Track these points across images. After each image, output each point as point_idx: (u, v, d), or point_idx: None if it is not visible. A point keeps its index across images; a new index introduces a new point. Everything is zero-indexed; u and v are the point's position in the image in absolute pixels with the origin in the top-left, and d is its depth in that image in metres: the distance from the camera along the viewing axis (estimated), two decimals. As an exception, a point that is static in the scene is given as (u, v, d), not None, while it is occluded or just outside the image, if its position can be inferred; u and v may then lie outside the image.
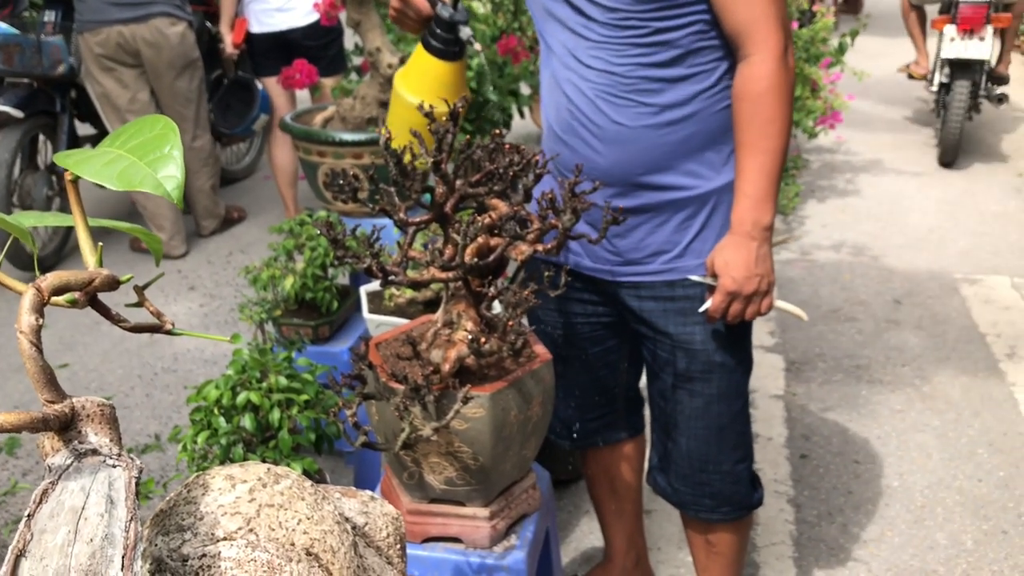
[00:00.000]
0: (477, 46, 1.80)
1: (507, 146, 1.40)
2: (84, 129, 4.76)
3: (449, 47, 1.80)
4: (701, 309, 1.69)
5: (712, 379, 1.76)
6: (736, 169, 1.62)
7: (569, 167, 1.67)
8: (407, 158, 1.33)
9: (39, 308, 0.66)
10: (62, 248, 4.37)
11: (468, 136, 1.38)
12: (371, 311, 2.27)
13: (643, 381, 2.12)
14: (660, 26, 1.55)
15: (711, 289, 1.67)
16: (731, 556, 1.97)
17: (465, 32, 1.77)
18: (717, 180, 1.66)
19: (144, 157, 0.66)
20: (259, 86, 4.59)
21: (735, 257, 1.61)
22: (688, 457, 1.83)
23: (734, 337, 1.75)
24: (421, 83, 1.85)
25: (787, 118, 1.58)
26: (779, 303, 1.72)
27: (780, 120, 1.57)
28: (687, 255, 1.70)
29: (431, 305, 2.27)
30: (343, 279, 2.72)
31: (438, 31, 1.79)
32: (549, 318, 1.90)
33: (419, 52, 1.85)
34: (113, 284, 0.72)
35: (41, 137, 4.38)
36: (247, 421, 1.70)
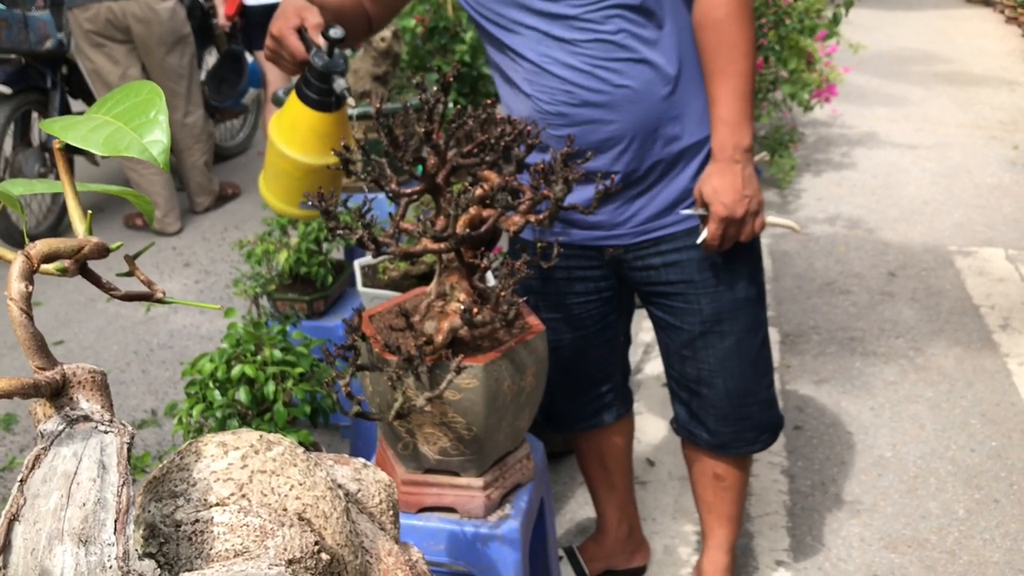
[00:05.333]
0: (351, 101, 1.55)
1: (498, 116, 1.40)
2: (78, 106, 4.74)
3: (323, 97, 1.58)
4: (699, 240, 1.71)
5: (739, 316, 1.79)
6: (709, 97, 1.63)
7: (577, 141, 1.65)
8: (398, 130, 1.33)
9: (28, 275, 0.66)
10: (56, 227, 4.36)
11: (459, 107, 1.37)
12: (365, 285, 2.27)
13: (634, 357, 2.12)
14: None
15: (704, 220, 1.70)
16: (738, 490, 2.03)
17: (339, 84, 1.54)
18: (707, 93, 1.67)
19: (130, 123, 0.66)
20: (248, 59, 4.58)
21: (721, 183, 1.63)
22: (728, 396, 1.86)
23: (753, 268, 1.79)
24: (292, 133, 1.63)
25: (750, 40, 1.59)
26: (771, 218, 1.75)
27: (744, 43, 1.58)
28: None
29: (425, 279, 2.27)
30: (337, 254, 2.72)
31: (312, 80, 1.58)
32: (549, 303, 1.90)
33: (292, 98, 1.63)
34: (103, 252, 0.72)
35: (34, 114, 4.36)
36: (242, 394, 1.70)
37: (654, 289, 1.83)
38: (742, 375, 1.84)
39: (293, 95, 1.62)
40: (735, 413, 1.88)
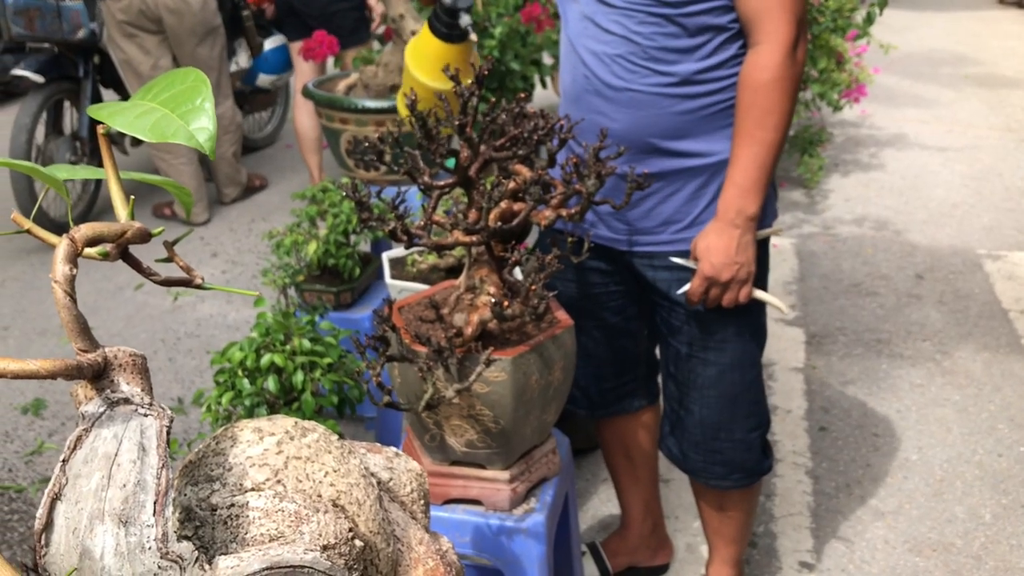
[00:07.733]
0: (473, 37, 1.79)
1: (531, 110, 1.40)
2: (109, 95, 4.78)
3: (449, 30, 1.81)
4: (679, 292, 1.71)
5: (726, 349, 1.77)
6: (731, 154, 1.62)
7: (582, 131, 1.67)
8: (431, 122, 1.33)
9: (73, 258, 0.67)
10: (86, 215, 4.40)
11: (492, 101, 1.38)
12: (393, 277, 2.28)
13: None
14: None
15: (694, 272, 1.69)
16: (742, 518, 1.99)
17: (464, 20, 1.77)
18: (730, 153, 1.66)
19: (176, 109, 0.67)
20: (265, 45, 4.67)
21: (716, 243, 1.62)
22: (701, 425, 1.84)
23: (748, 307, 1.75)
24: (423, 60, 1.88)
25: (787, 112, 1.57)
26: (758, 293, 1.72)
27: (779, 112, 1.56)
28: (697, 226, 1.71)
29: (453, 272, 2.27)
30: (365, 246, 2.73)
31: (440, 14, 1.80)
32: (568, 290, 1.90)
33: (425, 29, 1.87)
34: (145, 236, 0.72)
35: (66, 103, 4.40)
36: (271, 383, 1.71)
37: (652, 298, 1.84)
38: (720, 409, 1.82)
39: (426, 26, 1.85)
40: (706, 444, 1.86)
